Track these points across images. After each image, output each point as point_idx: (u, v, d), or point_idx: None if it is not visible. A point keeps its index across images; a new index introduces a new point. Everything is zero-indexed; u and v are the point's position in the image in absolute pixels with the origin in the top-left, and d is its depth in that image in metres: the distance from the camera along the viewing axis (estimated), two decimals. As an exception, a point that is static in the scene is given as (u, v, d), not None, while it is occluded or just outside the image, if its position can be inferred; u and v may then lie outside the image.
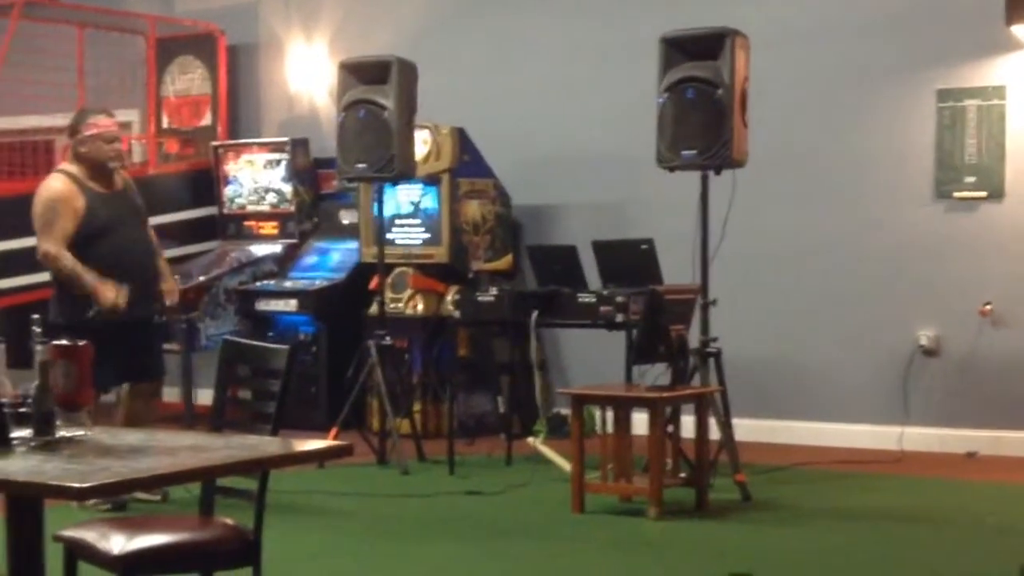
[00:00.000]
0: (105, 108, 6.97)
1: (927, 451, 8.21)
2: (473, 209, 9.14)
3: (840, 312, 8.63)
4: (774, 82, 8.17)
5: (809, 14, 8.70)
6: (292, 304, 9.34)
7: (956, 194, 8.30)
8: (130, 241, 6.73)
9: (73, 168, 6.66)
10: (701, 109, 6.91)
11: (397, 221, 9.09)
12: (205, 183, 10.17)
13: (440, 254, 9.06)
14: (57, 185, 6.60)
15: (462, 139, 9.07)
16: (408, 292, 9.03)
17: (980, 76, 8.26)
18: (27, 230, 8.92)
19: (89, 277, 6.50)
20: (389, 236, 8.64)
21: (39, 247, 6.61)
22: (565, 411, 8.01)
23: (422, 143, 8.73)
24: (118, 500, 6.35)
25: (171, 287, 7.12)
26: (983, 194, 8.24)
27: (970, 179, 8.26)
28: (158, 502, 6.45)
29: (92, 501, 6.19)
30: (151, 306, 6.89)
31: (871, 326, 8.53)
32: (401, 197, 9.09)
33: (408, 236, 9.14)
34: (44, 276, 8.83)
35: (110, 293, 6.50)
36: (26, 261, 8.96)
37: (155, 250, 7.01)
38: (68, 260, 6.52)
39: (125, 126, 10.62)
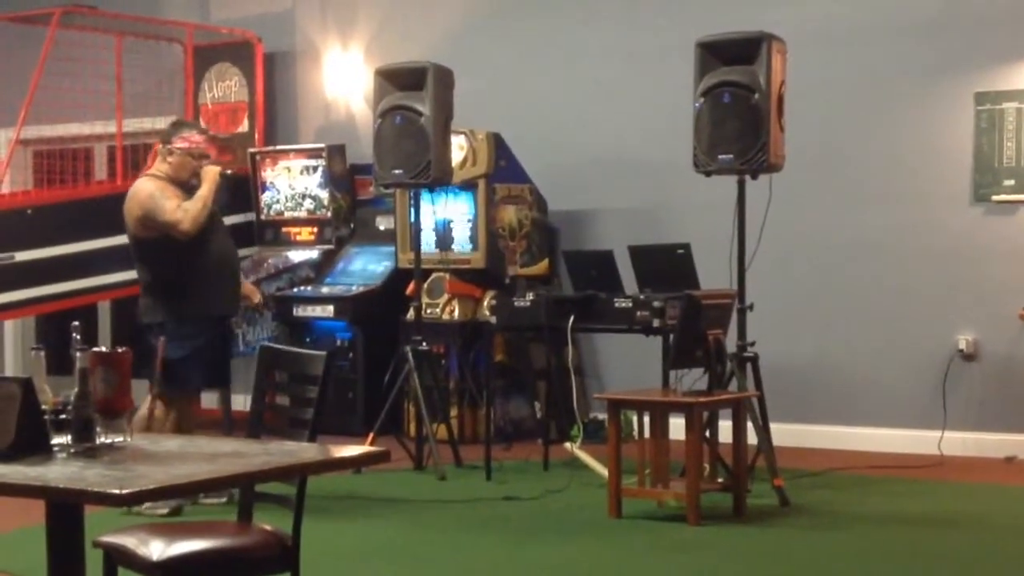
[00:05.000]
0: (199, 124, 7.11)
1: (965, 456, 8.17)
2: (509, 214, 9.15)
3: (878, 316, 8.59)
4: (811, 86, 8.16)
5: (846, 17, 8.68)
6: (329, 310, 9.37)
7: (995, 197, 8.25)
8: (225, 242, 6.98)
9: (160, 173, 6.83)
10: (737, 113, 6.90)
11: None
12: (242, 189, 10.20)
13: (476, 259, 9.07)
14: (150, 184, 6.78)
15: (498, 144, 9.08)
16: (444, 297, 9.04)
17: (1018, 79, 8.21)
18: (66, 237, 9.03)
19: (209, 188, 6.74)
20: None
21: (171, 226, 6.64)
22: (602, 416, 8.00)
23: (458, 149, 8.75)
24: (174, 505, 6.40)
25: (250, 288, 7.44)
26: (1022, 197, 8.19)
27: (1009, 182, 8.22)
28: (224, 504, 6.48)
29: (147, 505, 6.24)
30: (237, 312, 7.22)
31: (909, 330, 8.49)
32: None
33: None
34: (84, 283, 8.96)
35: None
36: (69, 267, 9.06)
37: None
38: (196, 202, 6.65)
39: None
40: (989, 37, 8.31)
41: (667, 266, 7.49)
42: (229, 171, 7.29)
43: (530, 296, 7.81)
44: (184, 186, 6.78)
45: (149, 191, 6.70)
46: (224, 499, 6.50)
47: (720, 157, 6.96)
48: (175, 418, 6.80)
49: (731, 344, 6.90)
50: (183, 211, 6.64)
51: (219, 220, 6.99)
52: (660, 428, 6.54)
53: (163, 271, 6.78)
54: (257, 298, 7.57)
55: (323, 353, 4.02)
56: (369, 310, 9.32)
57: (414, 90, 7.83)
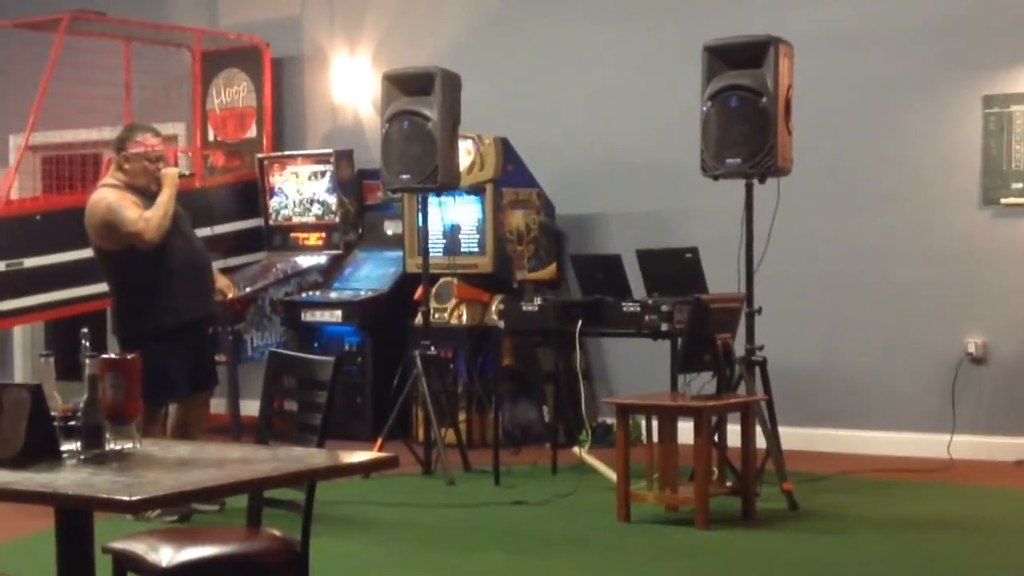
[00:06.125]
0: (152, 127, 7.01)
1: (975, 459, 8.16)
2: (517, 219, 9.15)
3: (887, 319, 8.58)
4: (819, 89, 8.15)
5: (854, 20, 8.67)
6: (337, 315, 9.38)
7: (1003, 200, 8.24)
8: (189, 244, 6.86)
9: (116, 181, 6.73)
10: (745, 117, 6.89)
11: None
12: (251, 195, 10.23)
13: (484, 264, 9.08)
14: (109, 194, 6.67)
15: (506, 149, 9.08)
16: (452, 302, 9.05)
17: (1026, 81, 8.21)
18: (75, 243, 9.04)
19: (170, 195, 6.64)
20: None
21: (134, 237, 6.56)
22: (610, 420, 8.00)
23: (466, 153, 8.75)
24: (183, 512, 6.40)
25: (225, 283, 7.32)
26: (1030, 200, 8.20)
27: (1017, 185, 8.21)
28: (216, 511, 6.48)
29: (156, 513, 6.24)
30: (212, 310, 7.04)
31: (918, 333, 8.48)
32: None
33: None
34: (93, 288, 8.97)
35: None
36: (78, 273, 9.07)
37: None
38: (158, 209, 6.56)
39: (171, 139, 10.70)
40: (997, 40, 8.30)
41: (675, 270, 7.49)
42: (188, 172, 7.25)
43: (538, 300, 7.81)
44: (144, 192, 6.67)
45: (108, 203, 6.59)
46: (217, 507, 6.49)
47: (728, 161, 6.95)
48: (175, 424, 6.78)
49: (739, 348, 6.90)
50: (145, 220, 6.53)
51: (183, 222, 6.85)
52: (669, 432, 6.53)
53: (130, 281, 6.70)
54: (232, 293, 7.48)
55: (331, 358, 4.02)
56: (377, 315, 9.33)
57: (422, 95, 7.83)
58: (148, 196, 6.68)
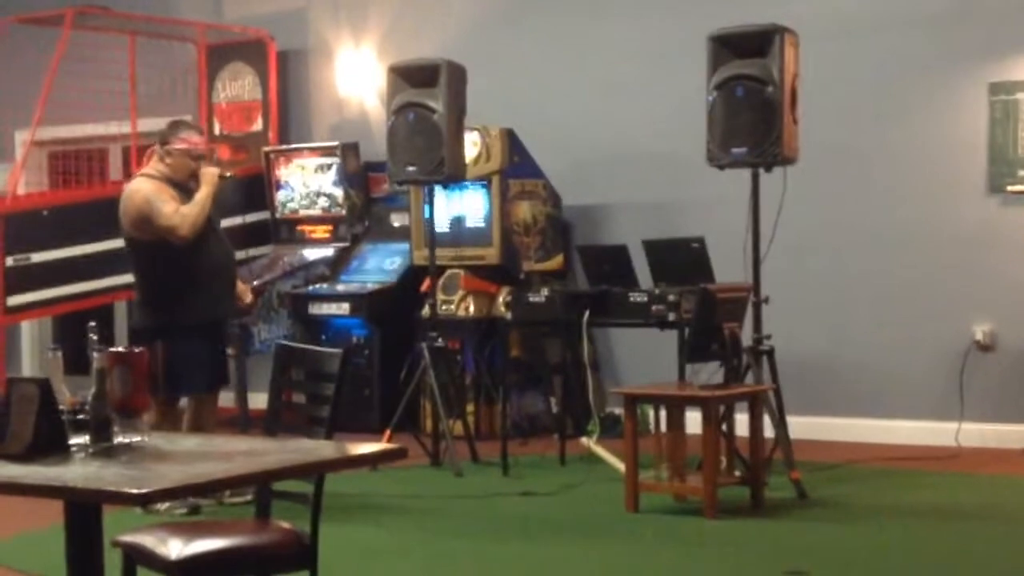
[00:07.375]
0: (198, 125, 7.06)
1: (984, 447, 8.15)
2: (523, 210, 9.15)
3: (894, 308, 8.58)
4: (824, 77, 8.14)
5: (859, 8, 8.66)
6: (344, 307, 9.38)
7: (1009, 187, 8.23)
8: (221, 242, 6.93)
9: (156, 173, 6.76)
10: (751, 107, 6.89)
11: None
12: (257, 188, 10.22)
13: (491, 255, 9.07)
14: (147, 185, 6.70)
15: (512, 140, 9.08)
16: (459, 294, 9.05)
17: (1032, 68, 8.20)
18: (82, 238, 9.06)
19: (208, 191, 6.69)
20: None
21: (169, 231, 6.58)
22: (618, 410, 8.00)
23: (472, 145, 8.75)
24: (192, 504, 6.41)
25: (242, 288, 7.37)
26: (1037, 187, 8.18)
27: (1023, 172, 8.19)
28: (248, 502, 6.47)
29: (166, 505, 6.25)
30: (233, 308, 7.11)
31: (926, 321, 8.47)
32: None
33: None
34: (101, 283, 8.99)
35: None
36: (85, 267, 9.09)
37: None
38: (194, 206, 6.60)
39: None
40: (1003, 27, 8.29)
41: (682, 260, 7.47)
42: (229, 173, 7.25)
43: (545, 291, 7.81)
44: (181, 187, 6.72)
45: (145, 193, 6.63)
46: (249, 496, 6.49)
47: (733, 150, 6.95)
48: (191, 419, 6.80)
49: (747, 337, 6.90)
50: (181, 216, 6.57)
51: (215, 221, 6.93)
52: (677, 422, 6.54)
53: (159, 274, 6.73)
54: (248, 298, 7.50)
55: (339, 350, 4.03)
56: (384, 307, 9.33)
57: (427, 87, 7.83)
58: (185, 191, 6.72)
